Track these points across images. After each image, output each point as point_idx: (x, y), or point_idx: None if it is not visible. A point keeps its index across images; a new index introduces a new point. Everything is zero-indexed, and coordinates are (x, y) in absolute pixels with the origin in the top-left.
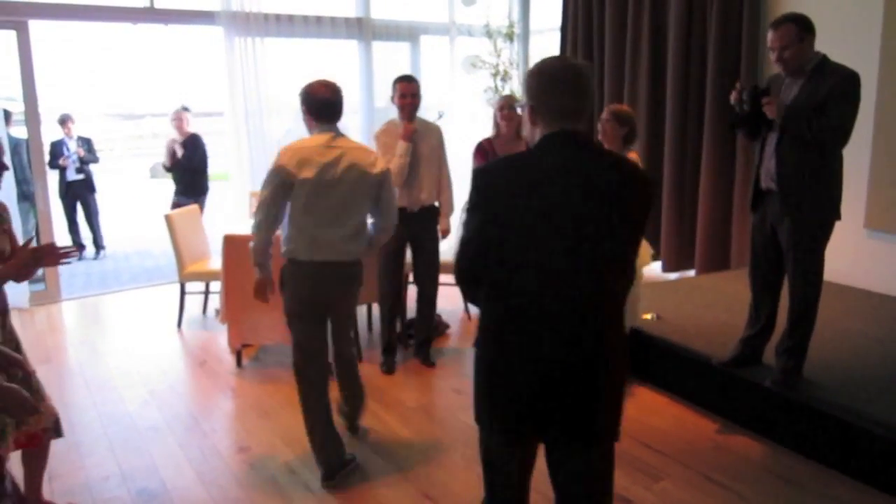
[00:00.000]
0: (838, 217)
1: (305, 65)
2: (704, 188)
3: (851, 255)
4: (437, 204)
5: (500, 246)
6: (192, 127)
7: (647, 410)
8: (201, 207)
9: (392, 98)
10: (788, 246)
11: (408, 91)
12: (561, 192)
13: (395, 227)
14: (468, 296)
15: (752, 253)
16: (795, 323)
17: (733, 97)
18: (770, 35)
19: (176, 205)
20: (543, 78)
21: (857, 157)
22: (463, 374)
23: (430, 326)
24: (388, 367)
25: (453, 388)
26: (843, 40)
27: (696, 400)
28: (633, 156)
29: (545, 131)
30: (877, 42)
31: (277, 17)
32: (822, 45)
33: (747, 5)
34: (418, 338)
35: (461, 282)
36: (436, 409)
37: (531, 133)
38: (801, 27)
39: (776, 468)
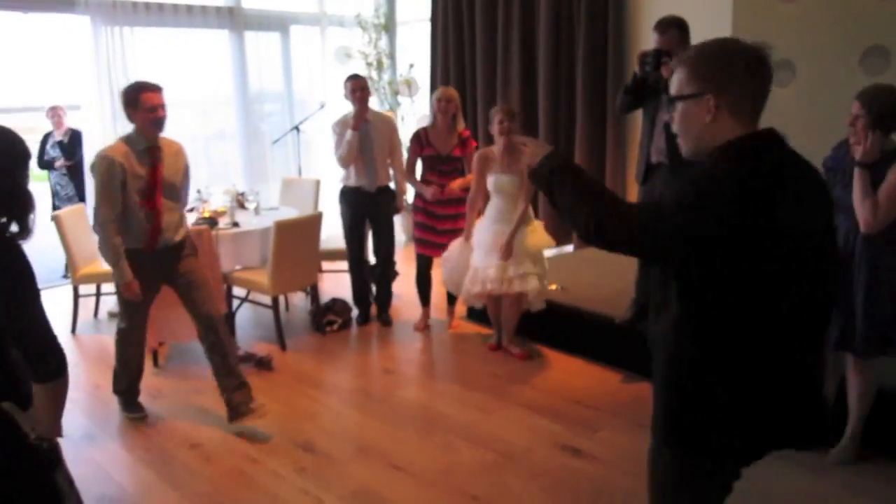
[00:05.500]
0: None
1: (175, 55)
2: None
3: None
4: (391, 185)
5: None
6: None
7: (570, 374)
8: None
9: (345, 95)
10: None
11: (357, 86)
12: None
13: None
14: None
15: None
16: None
17: (638, 60)
18: (657, 38)
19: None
20: (737, 59)
21: None
22: (384, 355)
23: (389, 292)
24: (365, 318)
25: (383, 369)
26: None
27: (607, 359)
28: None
29: (737, 130)
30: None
31: (147, 6)
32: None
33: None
34: (380, 303)
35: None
36: (373, 388)
37: (701, 132)
38: (684, 30)
39: None
